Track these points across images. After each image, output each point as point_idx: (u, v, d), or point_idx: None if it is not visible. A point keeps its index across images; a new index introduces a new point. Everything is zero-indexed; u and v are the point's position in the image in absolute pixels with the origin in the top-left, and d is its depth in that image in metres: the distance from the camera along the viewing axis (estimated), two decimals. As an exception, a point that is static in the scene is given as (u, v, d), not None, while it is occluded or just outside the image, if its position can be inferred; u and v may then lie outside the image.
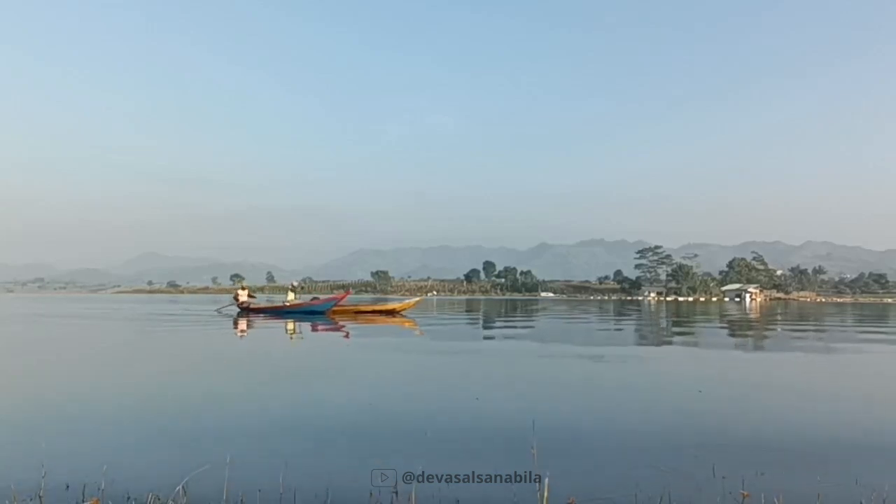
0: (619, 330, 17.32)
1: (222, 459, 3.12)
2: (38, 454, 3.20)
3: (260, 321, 18.33)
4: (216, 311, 24.47)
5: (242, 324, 17.07)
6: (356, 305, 26.22)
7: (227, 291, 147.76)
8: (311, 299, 24.03)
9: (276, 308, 23.15)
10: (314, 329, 15.22)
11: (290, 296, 23.79)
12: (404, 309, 24.27)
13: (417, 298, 30.63)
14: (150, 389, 6.04)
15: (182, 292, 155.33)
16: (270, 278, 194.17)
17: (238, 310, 23.21)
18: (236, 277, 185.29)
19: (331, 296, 26.88)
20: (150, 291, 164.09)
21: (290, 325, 16.13)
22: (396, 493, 2.86)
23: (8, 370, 7.71)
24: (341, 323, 17.46)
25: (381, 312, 22.89)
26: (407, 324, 17.93)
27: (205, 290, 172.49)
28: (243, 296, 23.94)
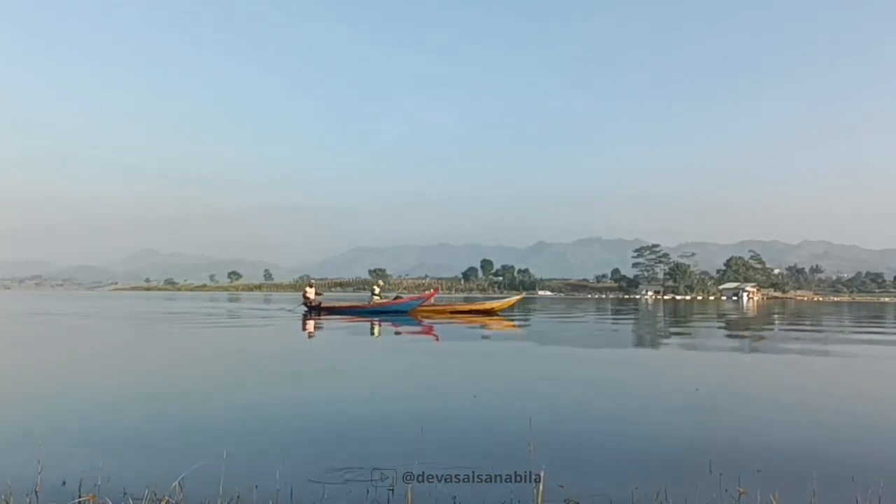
0: (617, 329, 17.34)
1: (219, 456, 3.11)
2: (35, 451, 3.19)
3: (332, 321, 17.60)
4: (290, 310, 23.43)
5: (311, 324, 16.43)
6: (451, 304, 25.19)
7: (225, 289, 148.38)
8: (394, 298, 23.19)
9: (354, 307, 22.42)
10: (395, 328, 14.84)
11: (376, 298, 22.33)
12: (503, 308, 23.60)
13: (517, 297, 28.80)
14: (149, 386, 6.04)
15: (179, 289, 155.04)
16: (268, 276, 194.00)
17: (306, 308, 22.27)
18: (234, 275, 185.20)
19: (415, 295, 25.90)
20: (148, 289, 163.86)
21: (376, 326, 15.36)
22: (393, 490, 2.86)
23: (9, 369, 7.69)
24: (428, 323, 16.62)
25: (478, 312, 21.93)
26: (506, 324, 17.45)
27: (202, 287, 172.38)
28: (311, 293, 22.90)
